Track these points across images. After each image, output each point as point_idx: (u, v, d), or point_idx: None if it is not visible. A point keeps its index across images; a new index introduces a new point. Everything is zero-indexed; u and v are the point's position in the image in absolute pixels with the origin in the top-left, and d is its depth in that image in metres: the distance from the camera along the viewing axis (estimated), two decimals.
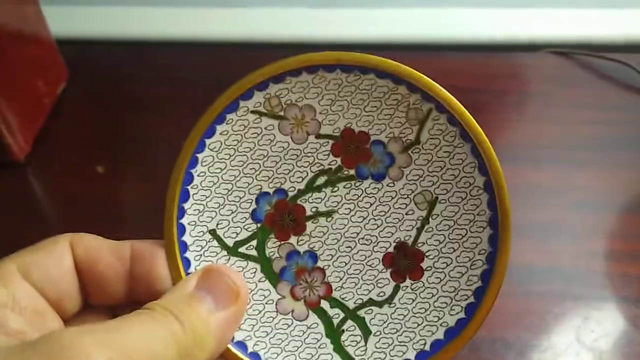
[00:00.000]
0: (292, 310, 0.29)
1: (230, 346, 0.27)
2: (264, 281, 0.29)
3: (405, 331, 0.28)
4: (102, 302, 0.27)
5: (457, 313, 0.28)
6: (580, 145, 0.54)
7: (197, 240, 0.28)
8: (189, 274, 0.27)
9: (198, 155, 0.27)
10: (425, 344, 0.28)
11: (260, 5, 0.70)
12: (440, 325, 0.28)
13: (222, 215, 0.28)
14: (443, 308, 0.28)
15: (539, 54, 0.64)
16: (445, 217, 0.28)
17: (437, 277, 0.28)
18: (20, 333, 0.23)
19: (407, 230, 0.28)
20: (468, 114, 0.27)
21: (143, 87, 0.62)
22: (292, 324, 0.29)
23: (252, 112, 0.28)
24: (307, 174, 0.28)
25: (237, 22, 0.69)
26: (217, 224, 0.28)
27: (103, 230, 0.48)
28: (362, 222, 0.29)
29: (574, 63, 0.62)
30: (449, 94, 0.26)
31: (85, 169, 0.53)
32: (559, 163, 0.52)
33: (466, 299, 0.28)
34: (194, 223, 0.28)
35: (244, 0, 0.71)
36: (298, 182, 0.28)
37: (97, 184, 0.52)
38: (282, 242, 0.29)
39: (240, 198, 0.29)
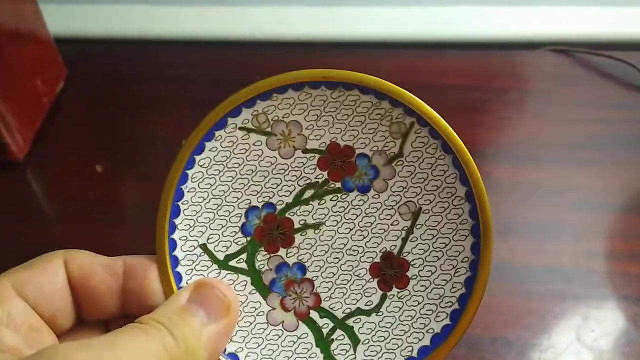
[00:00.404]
0: (283, 321, 0.30)
1: (222, 358, 0.28)
2: (255, 293, 0.30)
3: (393, 339, 0.29)
4: (95, 317, 0.28)
5: (442, 320, 0.28)
6: (580, 144, 0.54)
7: (188, 254, 0.29)
8: (180, 288, 0.28)
9: (188, 171, 0.28)
10: (412, 350, 0.29)
11: (259, 3, 0.70)
12: (427, 332, 0.29)
13: (212, 229, 0.29)
14: (429, 315, 0.29)
15: (539, 52, 0.64)
16: (429, 227, 0.29)
17: (422, 285, 0.29)
18: (16, 349, 0.23)
19: (393, 240, 0.29)
20: (448, 127, 0.27)
21: (142, 86, 0.62)
22: (282, 334, 0.29)
23: (240, 128, 0.28)
24: (295, 187, 0.29)
25: (236, 21, 0.69)
26: (208, 239, 0.29)
27: (102, 229, 0.48)
28: (348, 233, 0.29)
29: (574, 61, 0.62)
30: (429, 108, 0.27)
31: (84, 168, 0.53)
32: (559, 162, 0.52)
33: (451, 306, 0.28)
34: (184, 238, 0.29)
35: None
36: (286, 196, 0.29)
37: (96, 183, 0.52)
38: (272, 255, 0.30)
39: (230, 212, 0.29)
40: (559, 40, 0.64)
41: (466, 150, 0.27)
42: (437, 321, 0.28)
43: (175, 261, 0.28)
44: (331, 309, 0.29)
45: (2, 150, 0.52)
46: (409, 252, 0.29)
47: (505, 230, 0.47)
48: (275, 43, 0.68)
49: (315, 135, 0.29)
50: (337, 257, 0.29)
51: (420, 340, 0.29)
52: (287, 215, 0.29)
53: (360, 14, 0.70)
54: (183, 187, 0.28)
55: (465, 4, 0.69)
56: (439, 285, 0.29)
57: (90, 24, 0.69)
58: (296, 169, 0.29)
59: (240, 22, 0.69)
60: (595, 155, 0.53)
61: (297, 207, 0.29)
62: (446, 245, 0.29)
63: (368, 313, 0.29)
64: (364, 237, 0.29)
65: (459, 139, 0.27)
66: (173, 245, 0.28)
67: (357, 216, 0.29)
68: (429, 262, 0.29)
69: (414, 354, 0.28)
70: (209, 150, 0.28)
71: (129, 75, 0.63)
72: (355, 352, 0.29)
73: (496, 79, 0.61)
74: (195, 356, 0.25)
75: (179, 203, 0.28)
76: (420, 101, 0.27)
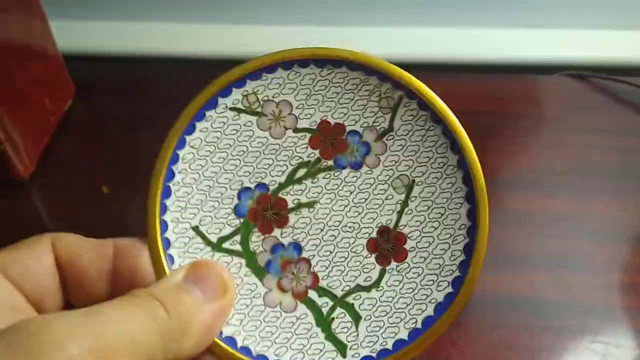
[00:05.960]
0: (280, 303, 0.29)
1: (219, 341, 0.27)
2: (250, 275, 0.29)
3: (396, 312, 0.29)
4: (84, 301, 0.27)
5: (444, 288, 0.28)
6: (596, 172, 0.52)
7: (180, 236, 0.28)
8: (172, 270, 0.27)
9: (179, 152, 0.28)
10: (416, 322, 0.28)
11: (270, 22, 0.69)
12: (429, 302, 0.28)
13: (204, 211, 0.29)
14: (430, 285, 0.29)
15: (555, 77, 0.63)
16: (424, 198, 0.29)
17: (421, 257, 0.29)
18: None
19: (388, 215, 0.29)
20: (436, 97, 0.28)
21: (152, 105, 0.60)
22: (281, 316, 0.29)
23: (231, 109, 0.29)
24: (287, 167, 0.29)
25: (248, 40, 0.68)
26: (200, 221, 0.29)
27: None
28: (343, 210, 0.29)
29: (591, 86, 0.61)
30: (417, 80, 0.28)
31: (90, 189, 0.52)
32: (574, 190, 0.51)
33: (452, 274, 0.28)
34: (176, 220, 0.29)
35: (254, 18, 0.70)
36: (278, 176, 0.29)
37: (103, 204, 0.51)
38: (266, 236, 0.29)
39: (222, 194, 0.29)
40: (575, 65, 0.63)
41: (455, 118, 0.28)
42: (439, 290, 0.28)
43: (167, 243, 0.28)
44: (330, 287, 0.29)
45: (7, 169, 0.50)
46: (405, 225, 0.29)
47: (519, 261, 0.46)
48: None
49: (305, 115, 0.29)
50: (332, 235, 0.29)
51: (423, 311, 0.28)
52: (280, 195, 0.29)
53: (371, 36, 0.69)
54: (174, 167, 0.28)
55: (479, 27, 0.68)
56: (437, 255, 0.29)
57: (100, 41, 0.68)
58: (288, 148, 0.29)
59: (252, 42, 0.68)
60: (612, 183, 0.51)
61: (290, 187, 0.29)
62: (442, 214, 0.29)
63: (368, 289, 0.29)
64: (359, 213, 0.29)
65: (447, 109, 0.28)
66: (164, 227, 0.28)
67: (351, 193, 0.29)
68: (426, 233, 0.29)
69: (418, 325, 0.28)
70: (200, 131, 0.29)
71: (139, 93, 0.62)
72: (357, 329, 0.29)
73: (511, 103, 0.60)
74: (188, 333, 0.24)
75: (170, 184, 0.28)
76: (408, 74, 0.28)
